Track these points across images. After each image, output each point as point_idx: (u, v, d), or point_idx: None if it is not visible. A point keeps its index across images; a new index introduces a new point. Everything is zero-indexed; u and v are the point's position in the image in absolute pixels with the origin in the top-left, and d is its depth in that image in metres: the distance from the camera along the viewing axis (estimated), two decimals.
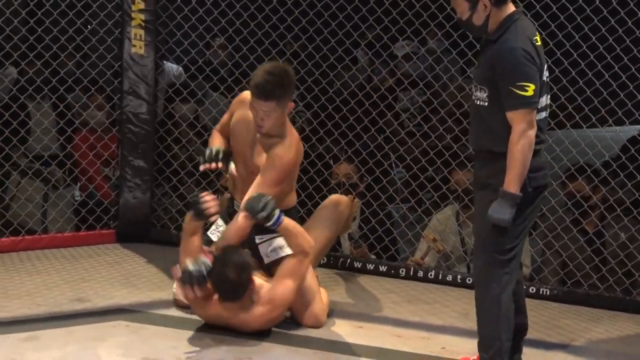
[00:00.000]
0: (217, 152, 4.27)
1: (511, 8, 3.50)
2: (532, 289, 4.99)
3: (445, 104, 5.67)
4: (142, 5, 5.53)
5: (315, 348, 3.88)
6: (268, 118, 4.07)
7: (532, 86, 3.36)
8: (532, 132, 3.40)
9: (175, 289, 4.30)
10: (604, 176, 5.17)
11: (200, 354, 3.74)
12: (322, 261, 5.31)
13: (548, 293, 5.02)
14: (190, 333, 3.97)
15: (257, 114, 4.08)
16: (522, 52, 3.37)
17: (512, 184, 3.40)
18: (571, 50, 5.01)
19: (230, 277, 3.83)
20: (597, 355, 4.16)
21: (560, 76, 4.99)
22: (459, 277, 5.17)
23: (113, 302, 4.40)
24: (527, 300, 3.93)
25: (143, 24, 5.57)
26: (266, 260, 4.28)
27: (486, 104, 3.48)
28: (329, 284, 4.98)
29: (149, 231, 5.74)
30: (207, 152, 4.30)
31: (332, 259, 5.36)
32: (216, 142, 4.40)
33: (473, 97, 3.56)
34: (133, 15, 5.54)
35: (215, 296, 3.93)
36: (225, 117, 4.46)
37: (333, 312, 4.43)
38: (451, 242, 5.36)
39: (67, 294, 4.49)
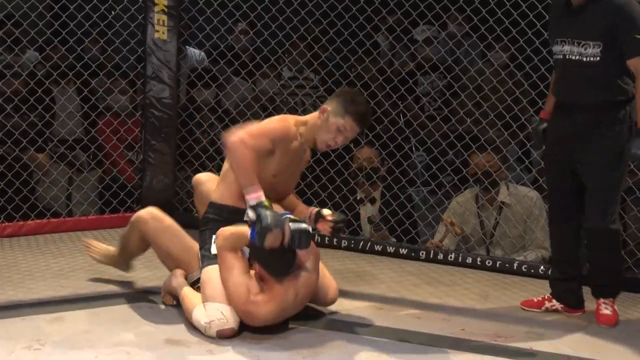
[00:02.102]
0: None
1: None
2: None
3: (466, 88, 5.68)
4: None
5: (337, 330, 3.89)
6: None
7: None
8: None
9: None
10: None
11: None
12: (342, 244, 5.37)
13: None
14: None
15: (343, 139, 4.06)
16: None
17: None
18: None
19: None
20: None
21: None
22: (478, 259, 5.18)
23: (137, 284, 4.44)
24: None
25: (166, 9, 5.60)
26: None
27: (598, 58, 3.72)
28: (350, 267, 5.04)
29: (172, 214, 5.71)
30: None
31: (353, 242, 5.40)
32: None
33: (573, 56, 3.78)
34: (156, 0, 5.57)
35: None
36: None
37: (354, 294, 4.46)
38: (471, 224, 5.38)
39: (91, 276, 4.53)
